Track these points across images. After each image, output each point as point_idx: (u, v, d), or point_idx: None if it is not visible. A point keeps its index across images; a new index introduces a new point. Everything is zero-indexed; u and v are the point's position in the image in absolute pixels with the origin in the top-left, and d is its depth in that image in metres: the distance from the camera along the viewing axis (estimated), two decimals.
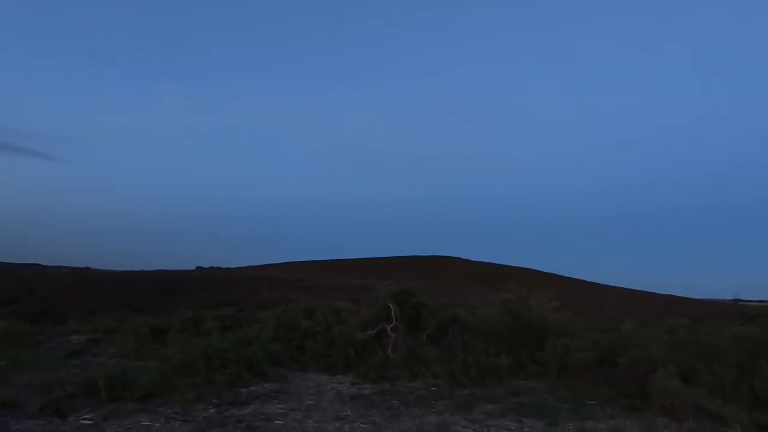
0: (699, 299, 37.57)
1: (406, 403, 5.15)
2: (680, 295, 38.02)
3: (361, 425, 4.30)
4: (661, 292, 39.00)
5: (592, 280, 44.02)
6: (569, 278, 43.81)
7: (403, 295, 7.33)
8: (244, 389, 5.36)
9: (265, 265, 48.52)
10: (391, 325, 7.07)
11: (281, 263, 51.22)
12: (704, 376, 4.86)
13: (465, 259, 52.71)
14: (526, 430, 4.24)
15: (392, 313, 7.08)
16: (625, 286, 41.29)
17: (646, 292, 39.33)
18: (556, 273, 45.49)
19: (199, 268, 38.74)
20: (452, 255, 54.10)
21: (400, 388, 5.83)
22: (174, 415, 4.39)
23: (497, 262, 50.31)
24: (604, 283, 43.17)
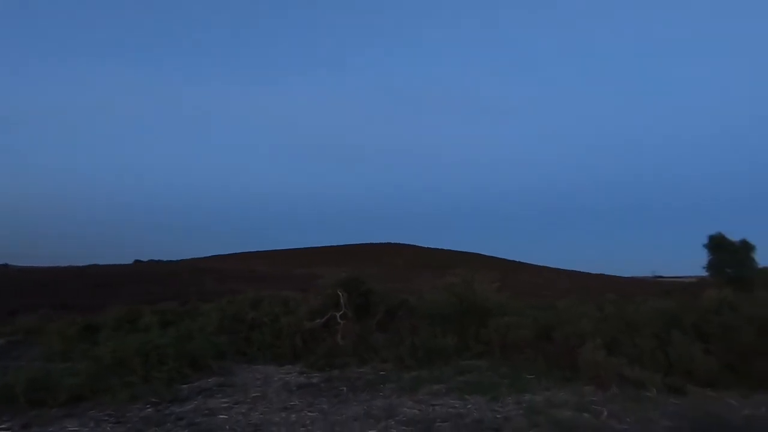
0: (626, 277, 40.96)
1: (354, 388, 5.19)
2: (611, 274, 41.24)
3: (309, 414, 4.28)
4: (595, 272, 42.11)
5: (533, 263, 46.58)
6: (512, 261, 46.06)
7: (351, 283, 7.33)
8: (185, 385, 5.14)
9: (210, 256, 46.59)
10: (340, 313, 7.06)
11: (227, 254, 49.45)
12: (626, 346, 5.31)
13: (416, 246, 53.70)
14: (469, 406, 4.42)
15: (341, 300, 7.06)
16: (563, 268, 44.12)
17: (582, 272, 42.28)
18: (500, 257, 47.61)
19: (137, 261, 36.52)
20: (404, 242, 54.92)
21: (348, 374, 5.86)
22: (106, 418, 4.12)
23: (448, 248, 51.74)
24: (544, 265, 45.83)
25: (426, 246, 53.47)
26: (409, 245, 54.06)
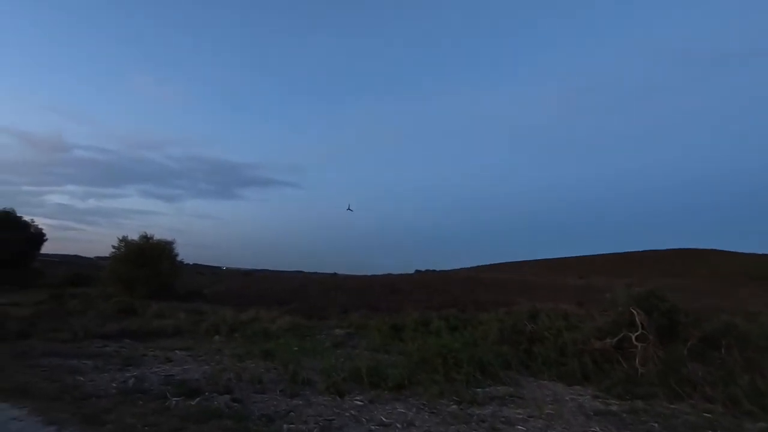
0: None
1: (671, 428, 4.36)
2: None
3: None
4: None
5: None
6: None
7: (649, 299, 6.27)
8: (480, 389, 5.54)
9: (480, 266, 49.23)
10: (636, 334, 6.13)
11: (491, 264, 51.04)
12: None
13: (726, 251, 41.25)
14: None
15: (637, 319, 6.13)
16: None
17: None
18: None
19: (417, 271, 42.45)
20: (706, 247, 43.12)
21: (657, 408, 4.99)
22: (422, 407, 4.90)
23: None
24: None
25: (742, 251, 40.28)
26: (716, 250, 41.98)
